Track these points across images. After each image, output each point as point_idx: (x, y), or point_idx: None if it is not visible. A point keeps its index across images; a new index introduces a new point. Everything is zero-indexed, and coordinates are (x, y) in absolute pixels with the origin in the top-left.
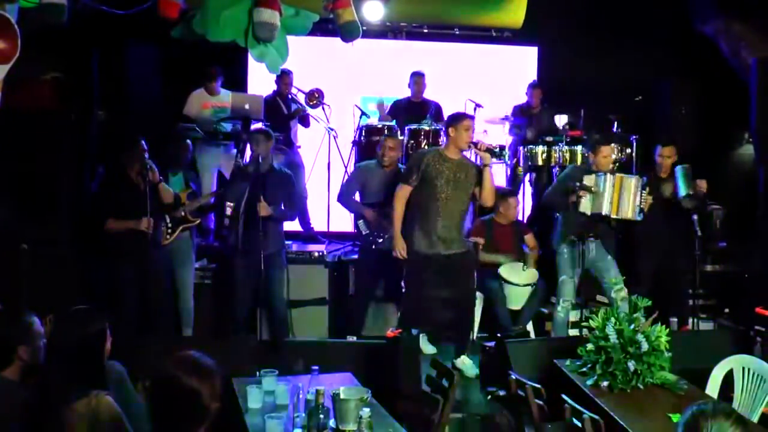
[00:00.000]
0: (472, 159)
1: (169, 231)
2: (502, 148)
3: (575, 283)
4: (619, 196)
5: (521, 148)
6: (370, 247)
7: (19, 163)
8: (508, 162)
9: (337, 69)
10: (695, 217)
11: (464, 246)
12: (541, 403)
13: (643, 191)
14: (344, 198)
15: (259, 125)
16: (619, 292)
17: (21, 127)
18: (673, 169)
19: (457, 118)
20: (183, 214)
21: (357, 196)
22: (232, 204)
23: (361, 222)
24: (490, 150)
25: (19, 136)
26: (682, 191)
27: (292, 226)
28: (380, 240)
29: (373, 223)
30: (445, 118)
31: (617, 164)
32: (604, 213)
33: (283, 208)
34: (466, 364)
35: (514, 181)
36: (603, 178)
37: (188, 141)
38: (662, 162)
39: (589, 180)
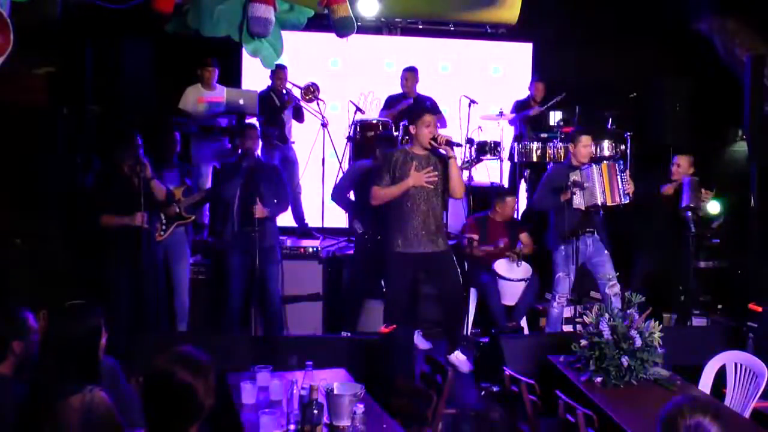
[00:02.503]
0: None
1: (164, 228)
2: (497, 144)
3: (571, 280)
4: (609, 183)
5: (516, 144)
6: (366, 245)
7: (12, 157)
8: (503, 158)
9: (332, 65)
10: (689, 214)
11: (444, 245)
12: (534, 398)
13: (623, 174)
14: (338, 197)
15: (253, 120)
16: (612, 288)
17: (13, 121)
18: (681, 179)
19: (417, 115)
20: (178, 210)
21: (351, 195)
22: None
23: (356, 221)
24: (450, 142)
25: (11, 131)
26: (685, 201)
27: (286, 221)
28: (376, 238)
29: (368, 221)
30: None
31: (611, 160)
32: (599, 203)
33: (275, 202)
34: (460, 359)
35: (513, 177)
36: (590, 170)
37: (176, 133)
38: (676, 171)
39: (576, 175)
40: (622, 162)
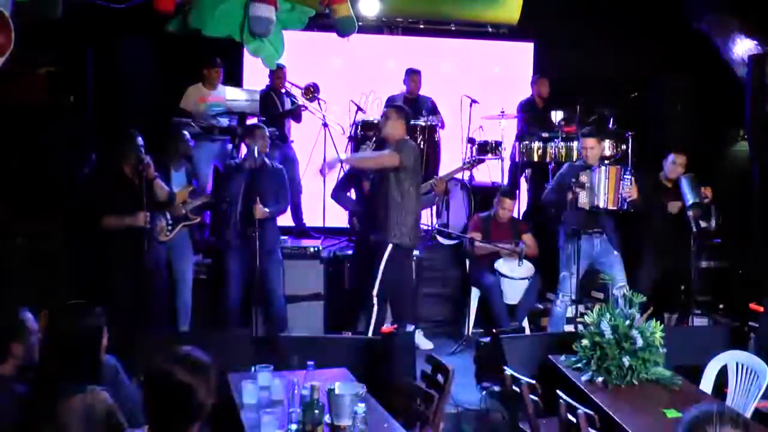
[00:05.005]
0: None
1: (169, 228)
2: (498, 144)
3: (575, 279)
4: (615, 186)
5: (517, 143)
6: (366, 243)
7: (12, 156)
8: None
9: (333, 64)
10: (691, 213)
11: (379, 234)
12: (535, 398)
13: (625, 180)
14: (338, 195)
15: (254, 120)
16: (619, 290)
17: (14, 120)
18: (677, 179)
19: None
20: (184, 212)
21: (353, 193)
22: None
23: (355, 219)
24: None
25: (12, 130)
26: (689, 200)
27: (285, 221)
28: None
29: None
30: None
31: (612, 159)
32: (601, 206)
33: (276, 203)
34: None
35: (513, 177)
36: (597, 172)
37: (186, 134)
38: (674, 169)
39: (584, 176)
40: (628, 169)
